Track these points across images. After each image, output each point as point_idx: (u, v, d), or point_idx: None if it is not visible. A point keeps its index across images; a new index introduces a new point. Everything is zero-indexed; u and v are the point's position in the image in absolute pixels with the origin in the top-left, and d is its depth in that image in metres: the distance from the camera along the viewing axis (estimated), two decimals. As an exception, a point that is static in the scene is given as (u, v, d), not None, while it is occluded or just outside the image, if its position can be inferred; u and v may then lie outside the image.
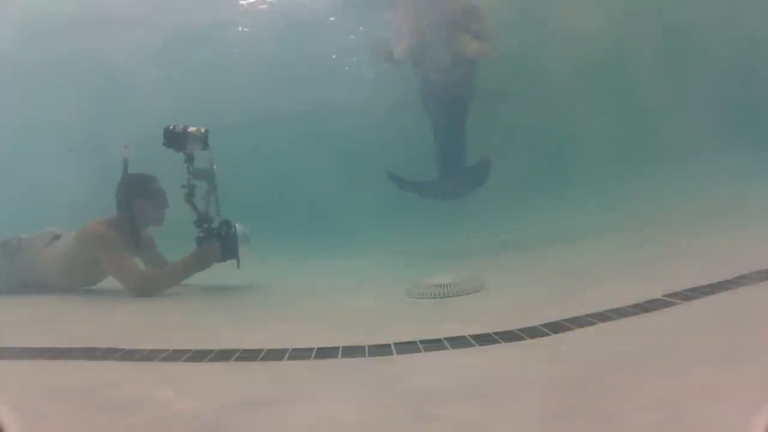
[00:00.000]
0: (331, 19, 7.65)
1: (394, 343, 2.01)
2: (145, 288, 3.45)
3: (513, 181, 6.33)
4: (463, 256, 4.72)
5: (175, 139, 3.51)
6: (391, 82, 6.34)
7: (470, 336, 2.03)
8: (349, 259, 5.19)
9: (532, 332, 2.02)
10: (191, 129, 3.52)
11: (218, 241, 3.65)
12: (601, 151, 6.58)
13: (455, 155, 5.40)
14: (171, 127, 3.53)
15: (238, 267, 3.76)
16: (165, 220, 3.80)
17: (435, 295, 2.96)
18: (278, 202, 7.60)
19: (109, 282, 3.66)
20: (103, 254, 3.48)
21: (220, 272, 4.24)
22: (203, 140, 3.53)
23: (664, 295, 2.19)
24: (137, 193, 3.63)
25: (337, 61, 8.15)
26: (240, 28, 7.80)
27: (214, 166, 3.77)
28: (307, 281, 4.26)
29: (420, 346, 1.98)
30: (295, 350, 2.02)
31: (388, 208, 6.59)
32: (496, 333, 2.04)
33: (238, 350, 2.05)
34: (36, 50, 7.43)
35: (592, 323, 2.04)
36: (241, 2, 7.84)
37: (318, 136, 7.62)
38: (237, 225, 3.75)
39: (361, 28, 7.72)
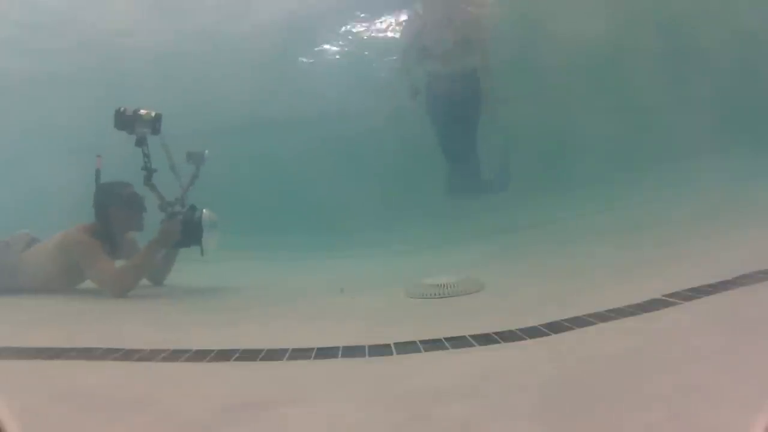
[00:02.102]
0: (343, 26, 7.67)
1: (394, 343, 2.01)
2: (123, 285, 3.45)
3: (513, 181, 6.33)
4: (463, 256, 4.72)
5: (124, 121, 3.45)
6: (395, 87, 6.37)
7: (470, 336, 2.03)
8: (349, 259, 5.19)
9: (532, 332, 2.02)
10: (142, 112, 3.46)
11: (178, 218, 3.59)
12: (601, 151, 6.58)
13: (466, 162, 5.44)
14: (122, 109, 3.47)
15: (202, 254, 3.71)
16: (144, 224, 3.79)
17: (435, 295, 2.96)
18: (280, 201, 7.62)
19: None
20: (83, 261, 3.51)
21: (220, 272, 4.24)
22: (153, 124, 3.46)
23: (664, 295, 2.19)
24: (112, 201, 3.64)
25: (340, 64, 8.17)
26: (245, 31, 7.80)
27: (206, 151, 3.77)
28: (307, 281, 4.26)
29: (420, 346, 1.98)
30: (295, 350, 2.02)
31: (388, 208, 6.60)
32: (496, 333, 2.04)
33: (238, 350, 2.05)
34: (38, 47, 7.44)
35: (592, 323, 2.04)
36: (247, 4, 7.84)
37: (320, 138, 7.64)
38: (204, 211, 3.70)
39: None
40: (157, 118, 3.48)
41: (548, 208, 6.07)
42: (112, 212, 3.64)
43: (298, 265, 5.12)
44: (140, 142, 3.49)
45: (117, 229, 3.68)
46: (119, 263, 3.64)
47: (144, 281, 3.89)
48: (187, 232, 3.63)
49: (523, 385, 1.56)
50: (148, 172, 3.54)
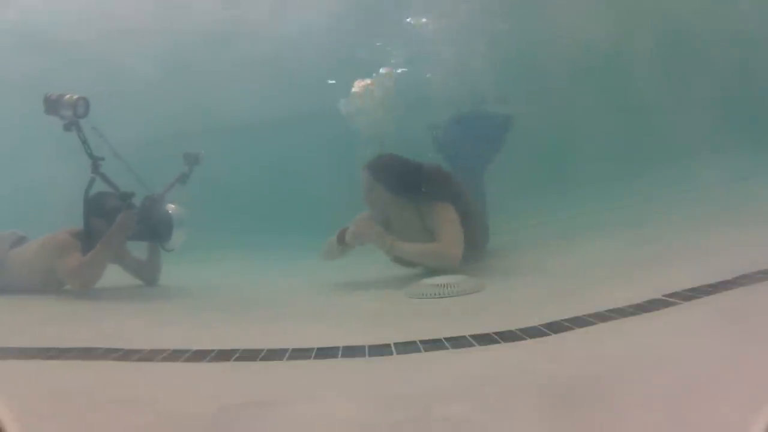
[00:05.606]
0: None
1: (394, 343, 2.01)
2: (83, 278, 3.46)
3: (513, 181, 6.33)
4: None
5: (50, 106, 3.44)
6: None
7: (470, 336, 2.03)
8: (348, 259, 5.17)
9: (532, 332, 2.01)
10: (66, 96, 3.43)
11: (135, 210, 3.58)
12: (601, 151, 6.59)
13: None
14: (49, 95, 3.46)
15: (165, 249, 3.71)
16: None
17: (435, 295, 2.96)
18: (279, 201, 7.62)
19: (107, 282, 3.66)
20: (57, 258, 3.53)
21: (219, 272, 4.23)
22: (74, 107, 3.41)
23: (664, 295, 2.19)
24: (96, 211, 3.65)
25: (343, 64, 8.16)
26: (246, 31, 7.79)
27: (202, 152, 3.82)
28: (307, 280, 4.25)
29: (420, 346, 1.98)
30: (295, 350, 2.02)
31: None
32: (496, 333, 2.04)
33: (238, 350, 2.05)
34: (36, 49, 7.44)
35: (592, 323, 2.03)
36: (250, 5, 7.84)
37: (320, 137, 7.64)
38: (171, 206, 3.69)
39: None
40: (79, 101, 3.43)
41: (548, 208, 6.07)
42: (95, 222, 3.65)
43: (298, 265, 5.12)
44: (68, 127, 3.45)
45: (96, 238, 3.67)
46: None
47: (138, 282, 3.91)
48: (151, 226, 3.63)
49: (523, 385, 1.56)
50: (94, 160, 3.48)
